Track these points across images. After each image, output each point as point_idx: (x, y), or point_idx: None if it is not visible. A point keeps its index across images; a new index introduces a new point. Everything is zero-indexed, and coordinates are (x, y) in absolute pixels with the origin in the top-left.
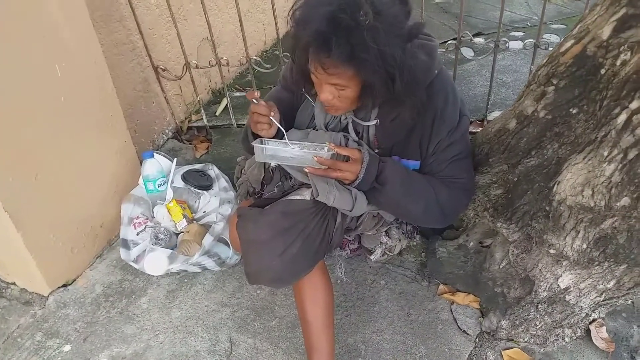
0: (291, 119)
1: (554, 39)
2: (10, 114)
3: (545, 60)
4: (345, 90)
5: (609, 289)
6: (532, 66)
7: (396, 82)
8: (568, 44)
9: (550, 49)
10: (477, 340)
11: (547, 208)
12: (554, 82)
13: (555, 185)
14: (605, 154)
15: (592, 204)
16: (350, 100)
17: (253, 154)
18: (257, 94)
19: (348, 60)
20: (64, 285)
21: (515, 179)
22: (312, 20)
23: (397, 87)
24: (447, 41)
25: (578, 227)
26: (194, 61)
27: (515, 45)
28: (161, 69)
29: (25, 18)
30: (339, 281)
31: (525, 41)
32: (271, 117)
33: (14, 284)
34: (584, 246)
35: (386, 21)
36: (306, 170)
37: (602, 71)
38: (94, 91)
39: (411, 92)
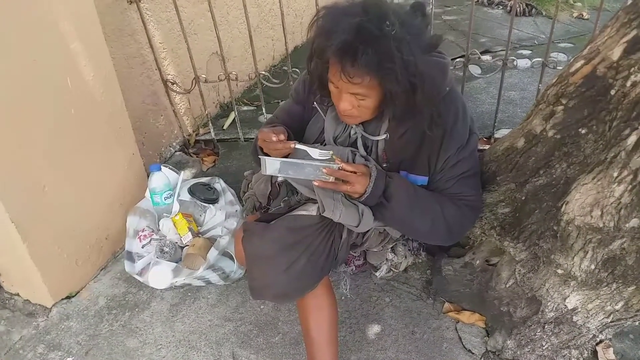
0: (301, 132)
1: (562, 57)
2: (22, 125)
3: (554, 80)
4: (365, 100)
5: (617, 311)
6: (540, 85)
7: (417, 92)
8: (578, 65)
9: (559, 67)
10: (482, 359)
11: (555, 228)
12: (563, 102)
13: (564, 205)
14: (615, 174)
15: (601, 225)
16: (369, 111)
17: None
18: (282, 137)
19: (374, 69)
20: (68, 297)
21: (523, 198)
22: (338, 30)
23: (418, 98)
24: (455, 58)
25: (586, 248)
26: (203, 75)
27: (522, 63)
28: (170, 82)
29: (37, 31)
30: (343, 297)
31: (534, 60)
32: (297, 145)
33: (17, 294)
34: (592, 267)
35: (410, 32)
36: (315, 183)
37: (612, 92)
38: (104, 104)
39: (430, 102)
